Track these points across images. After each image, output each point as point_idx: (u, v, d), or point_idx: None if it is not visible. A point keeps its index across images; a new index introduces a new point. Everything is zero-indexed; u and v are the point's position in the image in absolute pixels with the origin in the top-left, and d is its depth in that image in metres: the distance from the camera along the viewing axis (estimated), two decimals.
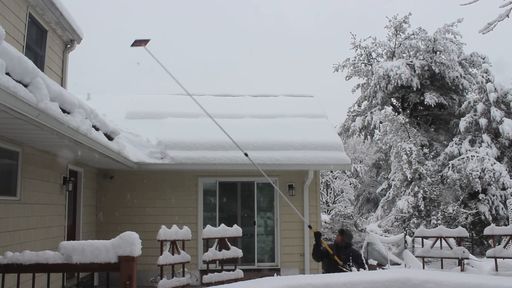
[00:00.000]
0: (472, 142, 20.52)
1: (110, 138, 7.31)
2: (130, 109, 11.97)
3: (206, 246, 6.40)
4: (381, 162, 26.70)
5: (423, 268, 7.74)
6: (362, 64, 26.55)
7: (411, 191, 18.75)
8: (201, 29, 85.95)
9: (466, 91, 23.87)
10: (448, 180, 18.99)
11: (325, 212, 22.38)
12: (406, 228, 17.76)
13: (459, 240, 7.00)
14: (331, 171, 24.54)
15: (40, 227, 6.79)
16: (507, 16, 4.22)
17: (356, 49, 26.37)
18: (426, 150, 20.55)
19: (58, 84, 5.30)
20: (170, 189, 10.19)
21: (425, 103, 23.01)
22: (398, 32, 25.08)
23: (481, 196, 18.53)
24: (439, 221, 16.64)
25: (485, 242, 17.67)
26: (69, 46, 8.93)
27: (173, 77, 7.41)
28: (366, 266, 5.78)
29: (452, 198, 18.92)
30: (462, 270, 6.75)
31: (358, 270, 5.25)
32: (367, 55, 26.50)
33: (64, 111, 5.10)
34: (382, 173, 27.13)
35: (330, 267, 6.53)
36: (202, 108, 7.31)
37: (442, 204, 17.90)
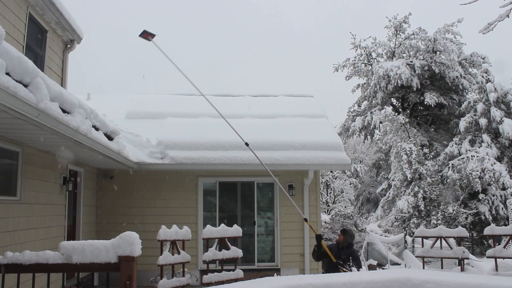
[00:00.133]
0: (472, 142, 20.52)
1: (110, 138, 7.31)
2: (130, 109, 11.97)
3: (206, 246, 6.40)
4: (381, 162, 26.70)
5: (423, 268, 7.74)
6: (362, 64, 26.55)
7: (411, 191, 18.75)
8: (201, 29, 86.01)
9: (466, 91, 23.86)
10: (448, 180, 18.99)
11: (325, 212, 22.38)
12: (406, 228, 17.76)
13: (459, 240, 6.99)
14: (331, 171, 24.54)
15: (40, 227, 6.79)
16: (507, 16, 4.22)
17: (356, 49, 26.39)
18: (426, 150, 20.55)
19: (58, 84, 5.30)
20: (170, 189, 10.19)
21: (425, 103, 23.00)
22: (398, 32, 25.08)
23: (481, 196, 18.53)
24: (439, 221, 16.65)
25: (485, 242, 17.67)
26: (69, 46, 8.93)
27: (182, 72, 7.46)
28: (363, 269, 5.78)
29: (452, 198, 18.92)
30: (462, 270, 6.75)
31: (358, 271, 5.25)
32: (367, 55, 26.50)
33: (64, 111, 5.10)
34: (382, 173, 27.13)
35: (330, 267, 6.54)
36: (214, 107, 7.39)
37: (442, 204, 17.90)
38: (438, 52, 23.52)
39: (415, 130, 21.80)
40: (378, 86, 23.93)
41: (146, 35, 7.27)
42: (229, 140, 9.81)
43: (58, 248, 3.22)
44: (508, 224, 13.90)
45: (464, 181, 18.37)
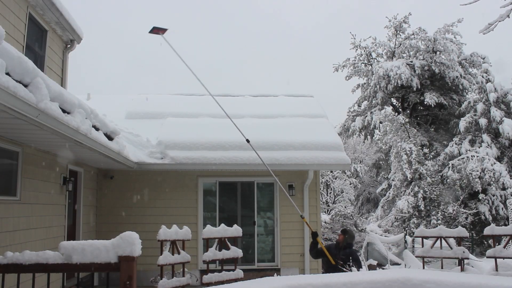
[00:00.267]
0: (472, 142, 20.52)
1: (110, 138, 7.31)
2: (130, 109, 11.97)
3: (206, 246, 6.40)
4: (381, 162, 26.70)
5: (423, 268, 7.73)
6: (362, 64, 26.54)
7: (411, 191, 18.75)
8: (201, 29, 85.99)
9: (466, 91, 23.86)
10: (448, 180, 18.99)
11: (325, 212, 22.37)
12: (406, 228, 17.75)
13: (459, 240, 7.00)
14: (331, 171, 24.53)
15: (40, 227, 6.79)
16: (508, 16, 4.22)
17: (356, 49, 26.38)
18: (426, 150, 20.55)
19: (58, 84, 5.30)
20: (170, 189, 10.19)
21: (425, 103, 23.00)
22: (398, 32, 25.07)
23: (481, 196, 18.52)
24: (439, 221, 16.64)
25: (485, 242, 17.66)
26: (69, 46, 8.93)
27: (191, 70, 7.46)
28: (363, 269, 5.78)
29: (452, 198, 18.92)
30: (462, 270, 6.75)
31: (358, 271, 5.25)
32: (367, 55, 26.49)
33: (64, 111, 5.10)
34: (382, 173, 27.12)
35: (330, 267, 6.54)
36: (219, 105, 7.43)
37: (442, 204, 17.90)
38: (438, 52, 23.52)
39: (415, 130, 21.80)
40: (378, 86, 23.93)
41: (157, 30, 7.20)
42: (229, 140, 9.82)
43: (58, 248, 3.22)
44: (508, 224, 13.90)
45: (464, 181, 18.37)
